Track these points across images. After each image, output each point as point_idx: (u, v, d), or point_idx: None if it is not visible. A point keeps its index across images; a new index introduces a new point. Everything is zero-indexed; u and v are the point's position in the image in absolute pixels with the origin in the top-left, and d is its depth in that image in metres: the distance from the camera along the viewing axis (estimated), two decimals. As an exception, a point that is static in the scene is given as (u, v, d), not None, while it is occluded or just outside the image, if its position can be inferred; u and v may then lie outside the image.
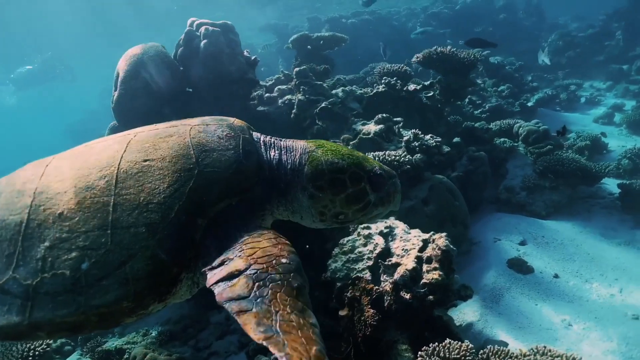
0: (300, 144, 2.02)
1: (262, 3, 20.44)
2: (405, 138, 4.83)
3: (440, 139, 4.90)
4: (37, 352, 5.07)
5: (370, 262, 3.58)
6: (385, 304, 3.21)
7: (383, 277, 3.42)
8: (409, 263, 3.27)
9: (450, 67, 5.99)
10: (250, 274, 1.39)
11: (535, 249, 4.77)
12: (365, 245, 3.74)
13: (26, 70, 24.84)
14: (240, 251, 1.52)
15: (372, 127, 5.17)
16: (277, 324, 1.21)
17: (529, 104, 10.69)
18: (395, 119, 5.18)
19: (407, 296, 3.14)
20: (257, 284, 1.35)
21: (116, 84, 4.88)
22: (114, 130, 4.99)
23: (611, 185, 6.17)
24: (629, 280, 4.29)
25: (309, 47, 7.62)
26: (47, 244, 1.56)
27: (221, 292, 1.34)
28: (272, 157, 1.97)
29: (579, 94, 12.41)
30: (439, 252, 3.15)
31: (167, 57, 4.95)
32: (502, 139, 6.60)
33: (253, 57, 5.55)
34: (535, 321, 3.71)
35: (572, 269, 4.49)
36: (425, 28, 11.56)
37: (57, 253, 1.54)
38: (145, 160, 1.70)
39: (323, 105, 5.40)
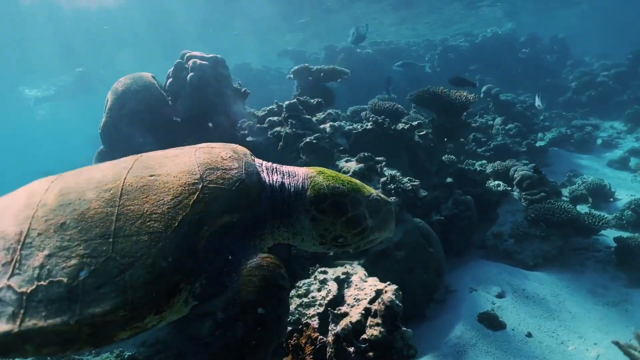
0: (302, 170, 2.15)
1: (282, 30, 21.07)
2: (382, 179, 4.78)
3: (417, 182, 4.82)
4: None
5: (321, 309, 3.50)
6: (327, 356, 3.12)
7: (331, 327, 3.33)
8: (354, 315, 3.18)
9: (442, 107, 5.95)
10: (220, 322, 1.55)
11: (513, 303, 4.55)
12: (319, 290, 3.67)
13: (60, 84, 26.21)
14: (233, 282, 1.64)
15: (352, 165, 5.15)
16: None
17: (541, 144, 10.44)
18: (377, 158, 5.15)
19: (350, 350, 3.05)
20: (217, 332, 1.52)
21: (105, 111, 5.10)
22: (102, 155, 5.18)
23: (611, 237, 5.89)
24: (609, 345, 4.02)
25: (310, 78, 7.74)
26: (46, 252, 1.55)
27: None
28: (274, 180, 2.06)
29: (596, 134, 12.00)
30: (382, 307, 3.05)
31: (154, 88, 5.13)
32: (496, 182, 6.42)
33: (243, 90, 5.67)
34: (494, 385, 3.51)
35: (549, 328, 4.25)
36: (405, 61, 11.45)
37: (56, 261, 1.53)
38: (152, 175, 1.75)
39: (307, 140, 5.43)
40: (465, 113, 6.32)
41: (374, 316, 3.12)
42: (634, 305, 4.64)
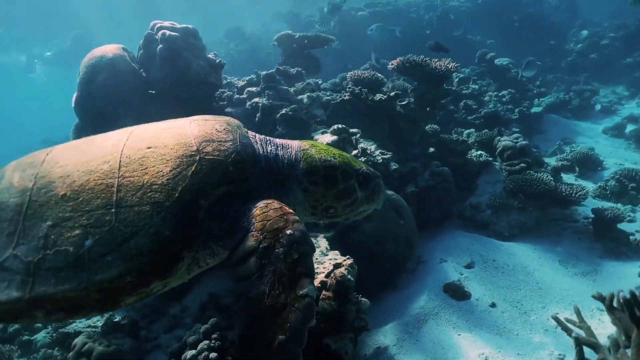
0: (295, 143, 2.22)
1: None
2: (353, 152, 4.75)
3: (389, 155, 4.79)
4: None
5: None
6: None
7: None
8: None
9: (423, 76, 5.80)
10: (259, 252, 1.59)
11: (481, 274, 4.63)
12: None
13: (57, 48, 25.77)
14: (251, 225, 1.70)
15: (327, 138, 5.11)
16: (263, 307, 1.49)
17: (536, 110, 10.22)
18: (351, 130, 5.09)
19: (304, 321, 3.17)
20: (263, 262, 1.57)
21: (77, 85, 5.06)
22: (78, 129, 5.18)
23: (591, 207, 5.87)
24: (571, 315, 4.11)
25: (294, 45, 7.55)
26: (49, 222, 1.61)
27: (238, 271, 1.60)
28: (269, 151, 2.11)
29: (595, 100, 11.69)
30: (334, 281, 3.12)
31: (124, 60, 5.05)
32: (478, 152, 6.36)
33: (218, 60, 5.56)
34: (450, 354, 3.63)
35: (514, 298, 4.33)
36: (379, 24, 10.97)
37: (60, 231, 1.59)
38: (149, 148, 1.80)
39: (283, 111, 5.37)
40: (446, 81, 6.21)
41: (327, 289, 3.20)
42: (603, 275, 4.69)
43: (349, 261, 3.31)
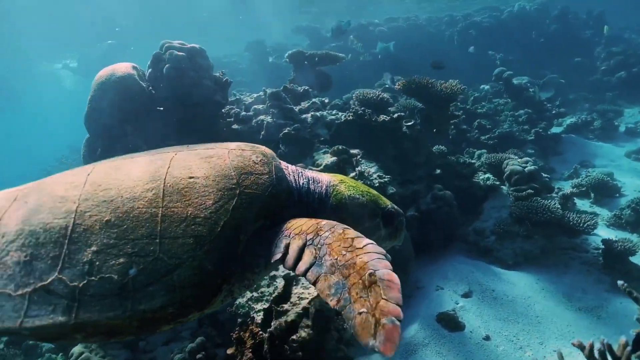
0: (325, 177, 2.29)
1: (296, 5, 20.52)
2: (351, 174, 4.74)
3: (387, 179, 4.75)
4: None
5: (267, 305, 3.60)
6: (264, 352, 3.24)
7: (273, 323, 3.44)
8: (291, 314, 3.26)
9: (429, 98, 5.76)
10: (309, 244, 1.66)
11: (478, 304, 4.49)
12: (268, 285, 3.77)
13: (89, 56, 26.75)
14: (290, 234, 1.77)
15: (327, 158, 5.12)
16: (345, 287, 1.44)
17: (556, 130, 9.93)
18: (352, 151, 5.09)
19: (284, 347, 3.15)
20: (316, 248, 1.63)
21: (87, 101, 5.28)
22: (89, 142, 5.37)
23: (604, 237, 5.60)
24: (570, 353, 3.93)
25: (305, 62, 7.63)
26: (94, 248, 1.64)
27: (298, 267, 1.60)
28: (301, 184, 2.19)
29: (621, 121, 11.24)
30: (313, 310, 3.11)
31: (132, 79, 5.23)
32: (486, 175, 6.22)
33: (225, 79, 5.68)
34: (435, 388, 3.54)
35: (511, 332, 4.19)
36: (387, 44, 10.92)
37: (105, 258, 1.62)
38: (190, 177, 1.86)
39: (286, 131, 5.43)
40: (452, 103, 6.16)
41: (308, 317, 3.19)
42: (608, 312, 4.47)
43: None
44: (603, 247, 5.09)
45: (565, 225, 5.12)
